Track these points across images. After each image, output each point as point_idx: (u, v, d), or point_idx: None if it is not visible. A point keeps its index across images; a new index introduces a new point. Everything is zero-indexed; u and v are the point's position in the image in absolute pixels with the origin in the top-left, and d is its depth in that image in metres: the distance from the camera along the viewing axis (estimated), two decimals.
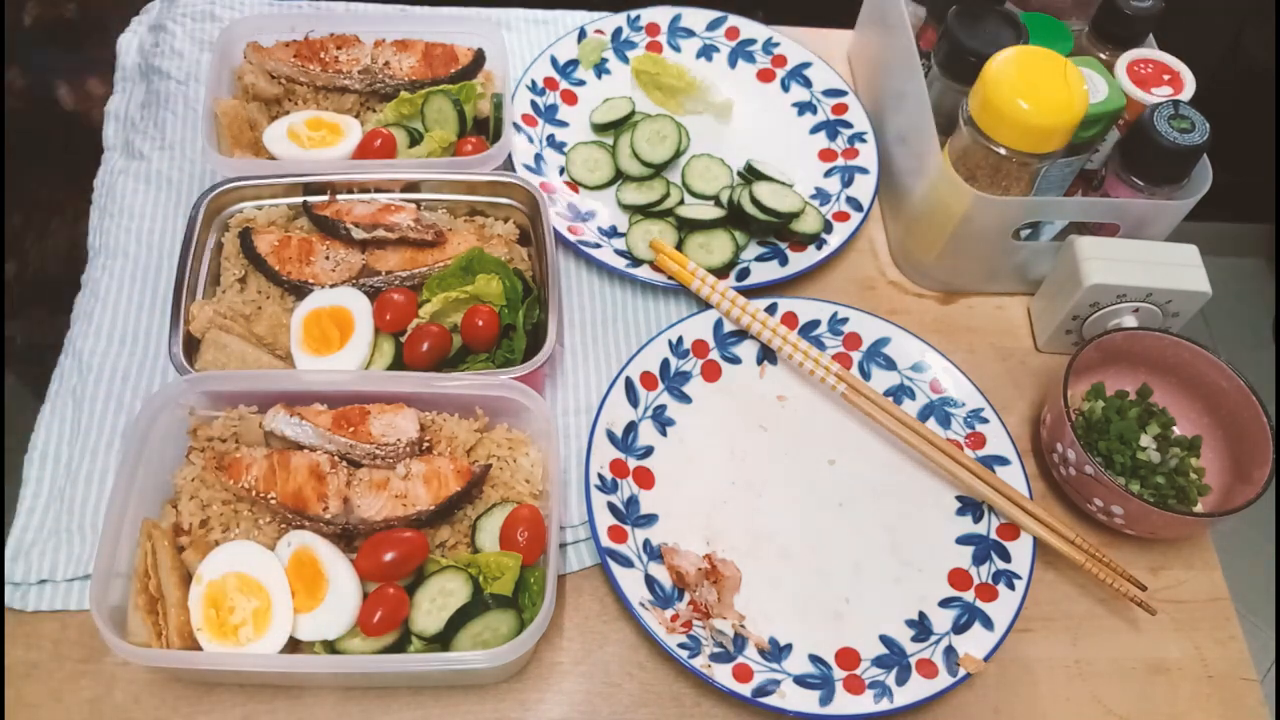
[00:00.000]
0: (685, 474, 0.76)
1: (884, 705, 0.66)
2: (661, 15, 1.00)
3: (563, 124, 0.94)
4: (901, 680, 0.67)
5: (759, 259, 0.86)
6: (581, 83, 0.97)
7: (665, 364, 0.80)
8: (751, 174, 0.90)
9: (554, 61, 0.96)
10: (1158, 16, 0.82)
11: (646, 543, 0.72)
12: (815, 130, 0.96)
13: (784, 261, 0.86)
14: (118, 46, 0.95)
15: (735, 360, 0.82)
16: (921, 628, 0.70)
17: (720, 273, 0.84)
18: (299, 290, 0.75)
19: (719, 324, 0.82)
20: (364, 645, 0.62)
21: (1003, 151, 0.75)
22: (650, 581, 0.70)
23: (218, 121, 0.82)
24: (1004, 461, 0.77)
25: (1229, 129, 0.96)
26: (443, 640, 0.62)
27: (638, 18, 1.00)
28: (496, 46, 0.89)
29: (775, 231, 0.88)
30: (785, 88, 0.99)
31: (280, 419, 0.67)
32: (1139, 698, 0.71)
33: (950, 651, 0.69)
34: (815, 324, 0.82)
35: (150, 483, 0.66)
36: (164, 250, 0.83)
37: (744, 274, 0.85)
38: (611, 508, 0.72)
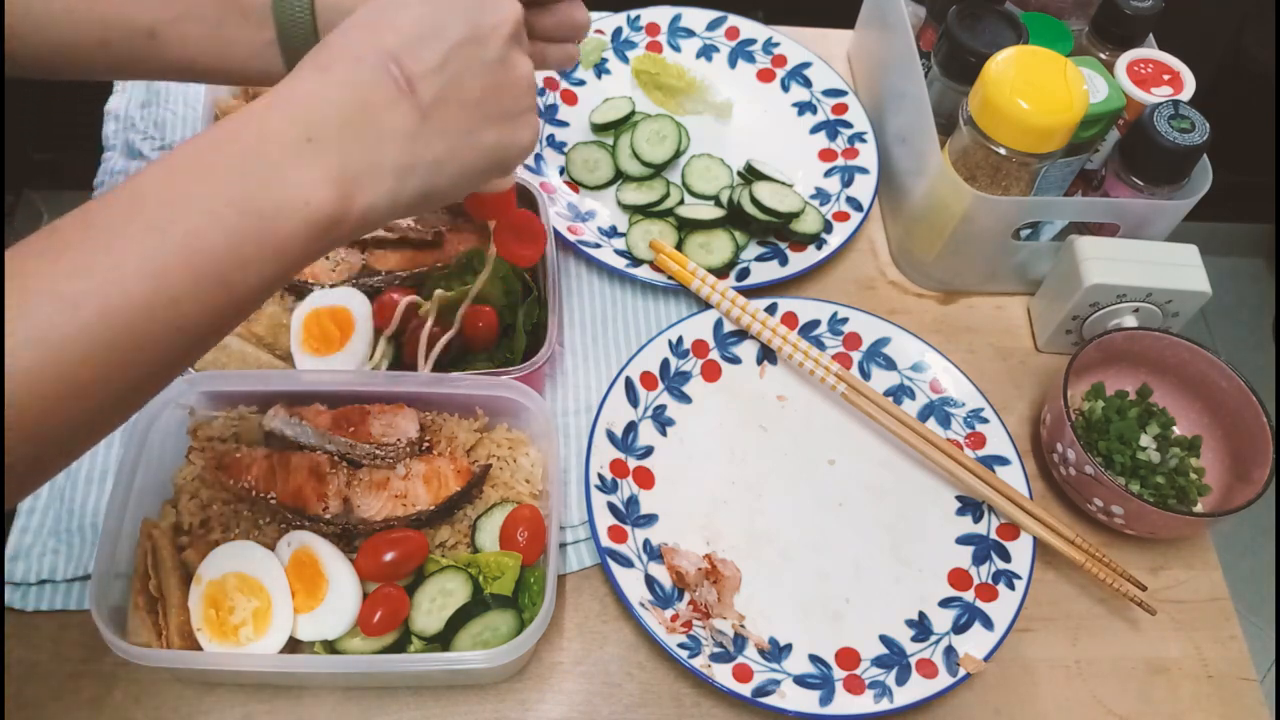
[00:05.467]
0: (685, 474, 0.76)
1: (884, 705, 0.66)
2: (661, 15, 1.00)
3: (563, 124, 0.94)
4: (901, 680, 0.67)
5: (759, 259, 0.86)
6: (581, 83, 0.97)
7: (665, 364, 0.80)
8: (751, 174, 0.90)
9: None
10: (1158, 16, 0.82)
11: (646, 543, 0.72)
12: (815, 130, 0.96)
13: (784, 261, 0.86)
14: None
15: (735, 360, 0.82)
16: (921, 628, 0.71)
17: (720, 273, 0.84)
18: (299, 290, 0.75)
19: (719, 324, 0.82)
20: (364, 645, 0.62)
21: (1003, 151, 0.75)
22: (650, 581, 0.70)
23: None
24: (1004, 461, 0.77)
25: (1229, 129, 0.96)
26: (443, 640, 0.62)
27: (638, 18, 1.00)
28: None
29: (775, 231, 0.88)
30: (785, 88, 0.99)
31: (280, 419, 0.67)
32: (1139, 698, 0.71)
33: (950, 651, 0.69)
34: (815, 324, 0.83)
35: (150, 483, 0.66)
36: None
37: (744, 274, 0.85)
38: (611, 508, 0.72)
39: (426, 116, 0.46)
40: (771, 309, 0.82)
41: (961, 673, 0.67)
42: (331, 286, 0.75)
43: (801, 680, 0.67)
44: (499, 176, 0.53)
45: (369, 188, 0.45)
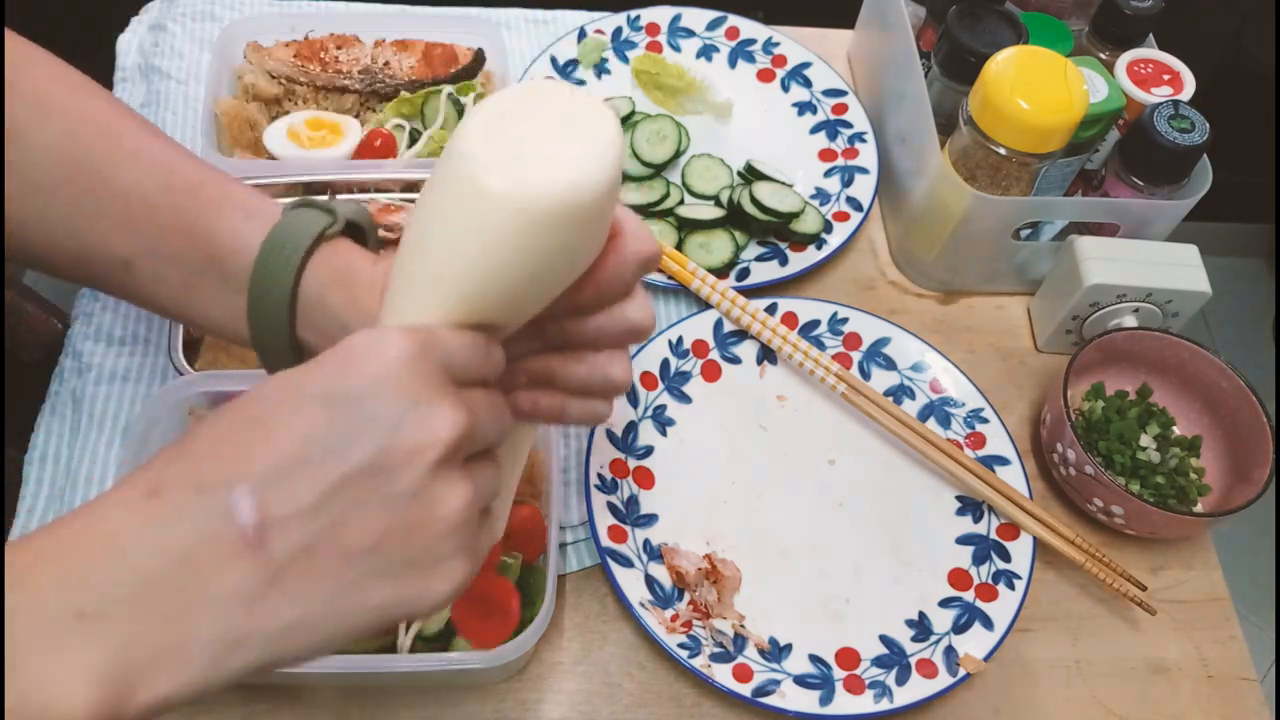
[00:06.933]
0: (685, 474, 0.76)
1: (884, 705, 0.66)
2: (661, 15, 1.00)
3: None
4: (901, 680, 0.67)
5: (759, 259, 0.86)
6: (581, 83, 0.97)
7: (665, 364, 0.80)
8: (751, 174, 0.90)
9: (554, 61, 0.96)
10: (1158, 16, 0.82)
11: (646, 543, 0.72)
12: (815, 130, 0.96)
13: (784, 261, 0.86)
14: (117, 46, 0.95)
15: (735, 360, 0.82)
16: (921, 628, 0.71)
17: (720, 273, 0.84)
18: None
19: (719, 324, 0.82)
20: (364, 645, 0.62)
21: (1003, 151, 0.75)
22: (650, 581, 0.70)
23: (218, 121, 0.82)
24: (1004, 461, 0.77)
25: (1229, 129, 0.96)
26: (443, 640, 0.62)
27: (638, 18, 1.00)
28: (496, 46, 0.89)
29: (775, 231, 0.88)
30: (785, 88, 0.99)
31: None
32: (1139, 698, 0.71)
33: (950, 651, 0.69)
34: (815, 324, 0.83)
35: None
36: None
37: (744, 274, 0.85)
38: (611, 508, 0.72)
39: (278, 576, 0.34)
40: (771, 309, 0.82)
41: (961, 673, 0.67)
42: None
43: (801, 680, 0.67)
44: (392, 628, 0.38)
45: (162, 677, 0.33)
